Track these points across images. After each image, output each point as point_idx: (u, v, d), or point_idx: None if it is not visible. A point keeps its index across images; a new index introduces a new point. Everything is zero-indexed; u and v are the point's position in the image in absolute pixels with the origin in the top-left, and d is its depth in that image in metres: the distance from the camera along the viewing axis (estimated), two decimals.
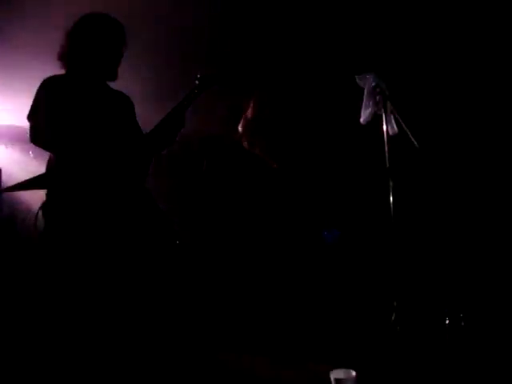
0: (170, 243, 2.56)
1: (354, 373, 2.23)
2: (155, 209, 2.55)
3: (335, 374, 2.23)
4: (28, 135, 2.39)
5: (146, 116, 2.78)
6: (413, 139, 3.02)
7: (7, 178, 4.79)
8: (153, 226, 2.49)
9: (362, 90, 3.17)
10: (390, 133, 3.08)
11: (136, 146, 2.52)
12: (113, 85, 2.64)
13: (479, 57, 3.86)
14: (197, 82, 2.64)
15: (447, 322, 2.90)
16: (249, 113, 3.49)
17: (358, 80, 3.22)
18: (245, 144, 3.51)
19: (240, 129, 3.53)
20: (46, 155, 2.49)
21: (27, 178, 2.60)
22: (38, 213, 2.42)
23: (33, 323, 2.52)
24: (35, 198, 2.59)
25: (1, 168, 4.62)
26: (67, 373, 2.22)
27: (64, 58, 2.52)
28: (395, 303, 2.84)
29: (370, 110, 3.12)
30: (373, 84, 3.13)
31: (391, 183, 2.99)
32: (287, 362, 2.67)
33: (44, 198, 2.44)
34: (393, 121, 3.12)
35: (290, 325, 3.10)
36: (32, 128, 2.38)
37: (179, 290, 2.76)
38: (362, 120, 3.18)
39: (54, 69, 2.53)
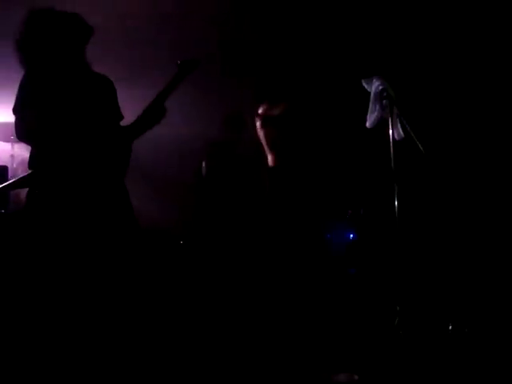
0: (130, 240, 2.48)
1: (356, 377, 2.23)
2: (127, 205, 2.49)
3: (338, 378, 2.24)
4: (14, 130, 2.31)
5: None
6: (419, 144, 3.01)
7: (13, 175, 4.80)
8: (120, 222, 2.42)
9: (369, 94, 3.17)
10: (397, 138, 3.07)
11: (118, 136, 2.49)
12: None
13: (488, 61, 3.86)
14: (177, 67, 2.57)
15: (450, 327, 2.90)
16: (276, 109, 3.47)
17: (364, 84, 3.21)
18: (258, 123, 3.50)
19: (261, 111, 3.51)
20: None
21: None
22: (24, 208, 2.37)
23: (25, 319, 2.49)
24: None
25: (7, 166, 4.64)
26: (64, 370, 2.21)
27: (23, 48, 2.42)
28: (398, 308, 2.85)
29: (376, 114, 3.12)
30: (379, 88, 3.12)
31: (396, 188, 2.98)
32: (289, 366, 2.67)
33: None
34: (399, 126, 3.11)
35: (293, 329, 3.10)
36: (18, 122, 2.28)
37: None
38: (368, 124, 3.18)
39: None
